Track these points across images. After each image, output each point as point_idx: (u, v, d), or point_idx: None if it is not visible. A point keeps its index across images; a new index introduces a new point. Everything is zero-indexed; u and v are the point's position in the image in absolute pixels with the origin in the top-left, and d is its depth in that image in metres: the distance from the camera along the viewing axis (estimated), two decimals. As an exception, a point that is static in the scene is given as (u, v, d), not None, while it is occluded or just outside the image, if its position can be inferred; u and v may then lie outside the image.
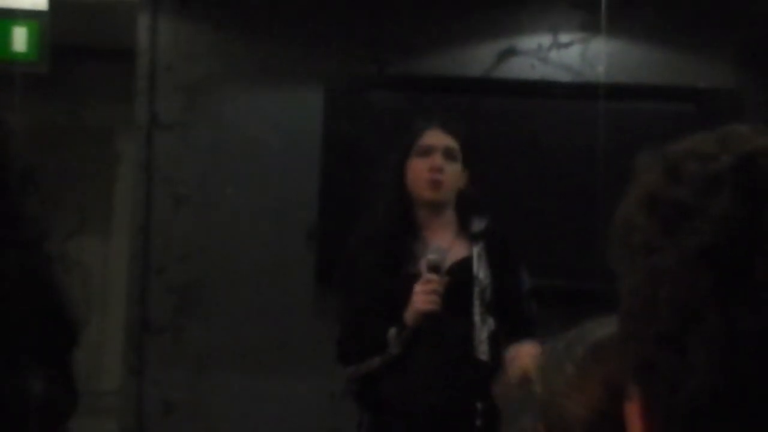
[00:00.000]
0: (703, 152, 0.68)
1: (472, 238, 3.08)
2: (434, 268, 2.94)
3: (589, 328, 1.15)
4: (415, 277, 2.96)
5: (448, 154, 3.07)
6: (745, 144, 0.68)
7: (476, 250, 3.06)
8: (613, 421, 1.02)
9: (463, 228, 3.11)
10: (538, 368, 1.14)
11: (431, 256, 2.95)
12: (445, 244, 3.03)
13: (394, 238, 3.04)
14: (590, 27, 4.86)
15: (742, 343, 0.62)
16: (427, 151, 3.06)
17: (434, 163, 3.04)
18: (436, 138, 3.09)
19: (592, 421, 1.06)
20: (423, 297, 2.91)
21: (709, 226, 0.64)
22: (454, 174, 3.08)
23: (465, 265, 3.04)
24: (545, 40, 4.92)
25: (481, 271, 3.03)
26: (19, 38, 4.74)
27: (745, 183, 0.65)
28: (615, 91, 4.75)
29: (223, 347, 4.81)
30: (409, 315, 2.94)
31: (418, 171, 3.06)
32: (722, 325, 0.63)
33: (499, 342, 3.01)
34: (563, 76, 4.90)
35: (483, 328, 2.99)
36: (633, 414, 0.70)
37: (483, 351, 2.97)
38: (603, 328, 1.13)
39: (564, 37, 4.92)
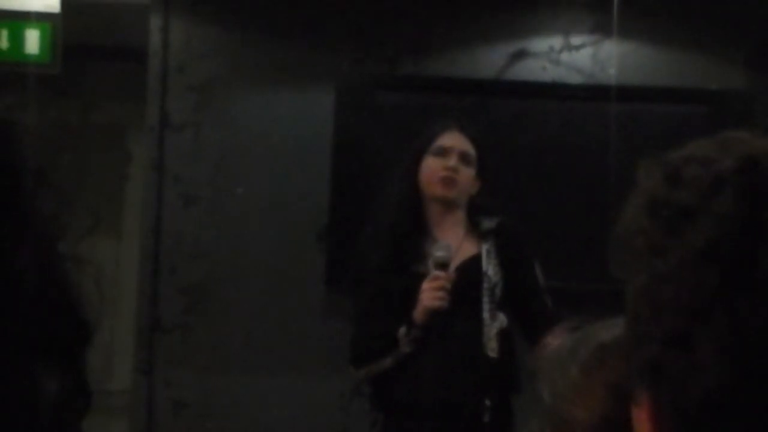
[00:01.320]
0: (703, 157, 0.69)
1: (482, 235, 3.08)
2: (442, 265, 2.94)
3: (593, 330, 1.15)
4: (424, 275, 2.96)
5: (464, 157, 3.06)
6: (745, 147, 0.68)
7: (485, 248, 3.06)
8: (618, 425, 1.02)
9: (473, 228, 3.10)
10: (542, 371, 1.14)
11: (438, 253, 2.95)
12: (454, 242, 3.03)
13: (404, 237, 3.04)
14: (602, 29, 4.86)
15: (750, 339, 0.63)
16: (444, 152, 3.06)
17: (449, 163, 3.04)
18: (454, 140, 3.08)
19: (597, 425, 1.06)
20: (430, 294, 2.91)
21: (713, 225, 0.64)
22: (468, 177, 3.07)
23: (474, 262, 3.04)
24: (557, 42, 4.91)
25: (490, 268, 3.03)
26: (32, 40, 4.75)
27: (747, 183, 0.65)
28: (626, 93, 4.75)
29: (233, 347, 4.81)
30: (418, 312, 2.94)
31: (433, 169, 3.05)
32: (729, 323, 0.63)
33: (512, 338, 3.01)
34: (574, 78, 4.89)
35: (492, 325, 2.98)
36: (641, 419, 0.69)
37: (492, 348, 2.96)
38: (608, 330, 1.13)
39: (575, 39, 4.91)
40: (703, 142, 0.71)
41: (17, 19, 4.74)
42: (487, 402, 2.95)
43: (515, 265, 3.06)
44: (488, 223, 3.09)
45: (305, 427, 4.75)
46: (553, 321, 3.02)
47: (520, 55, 4.92)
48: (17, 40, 4.74)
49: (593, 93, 4.81)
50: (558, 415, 1.09)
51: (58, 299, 0.75)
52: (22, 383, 0.70)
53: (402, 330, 2.95)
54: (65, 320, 0.75)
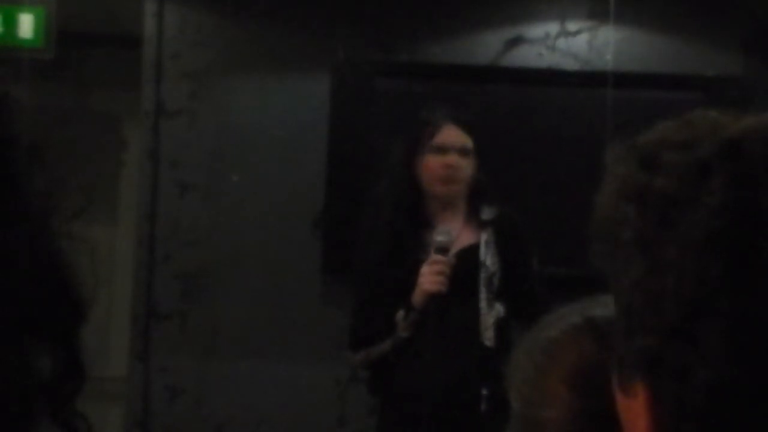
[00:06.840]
0: (677, 141, 0.67)
1: (481, 225, 3.08)
2: (441, 250, 2.95)
3: (543, 326, 1.15)
4: (423, 263, 2.97)
5: (462, 151, 3.07)
6: (721, 130, 0.67)
7: (484, 237, 3.06)
8: (584, 416, 1.01)
9: (473, 216, 3.11)
10: (510, 375, 1.14)
11: (439, 238, 2.96)
12: (453, 230, 3.04)
13: (405, 229, 3.04)
14: (598, 15, 4.85)
15: (755, 328, 0.62)
16: (443, 150, 3.05)
17: (449, 161, 3.04)
18: (452, 136, 3.07)
19: (563, 421, 1.06)
20: (430, 278, 2.92)
21: (709, 215, 0.64)
22: (468, 169, 3.08)
23: (472, 251, 3.04)
24: (553, 28, 4.90)
25: (488, 258, 3.04)
26: (26, 25, 4.73)
27: (735, 169, 0.64)
28: (623, 80, 4.74)
29: (229, 334, 4.81)
30: (416, 296, 2.94)
31: (432, 167, 3.04)
32: (733, 312, 0.62)
33: (510, 328, 3.02)
34: (571, 65, 4.88)
35: (489, 314, 2.99)
36: (633, 409, 0.68)
37: (489, 337, 2.97)
38: (556, 323, 1.13)
39: (572, 26, 4.90)
40: (670, 123, 0.70)
41: (11, 3, 4.72)
42: (484, 391, 2.95)
43: (513, 255, 3.07)
44: (488, 213, 3.09)
45: (302, 414, 4.75)
46: (541, 311, 3.03)
47: (517, 41, 4.90)
48: (11, 24, 4.71)
49: (589, 79, 4.80)
50: (527, 417, 1.08)
51: (50, 276, 0.74)
52: (13, 361, 0.69)
53: (400, 313, 2.96)
54: (58, 297, 0.74)
